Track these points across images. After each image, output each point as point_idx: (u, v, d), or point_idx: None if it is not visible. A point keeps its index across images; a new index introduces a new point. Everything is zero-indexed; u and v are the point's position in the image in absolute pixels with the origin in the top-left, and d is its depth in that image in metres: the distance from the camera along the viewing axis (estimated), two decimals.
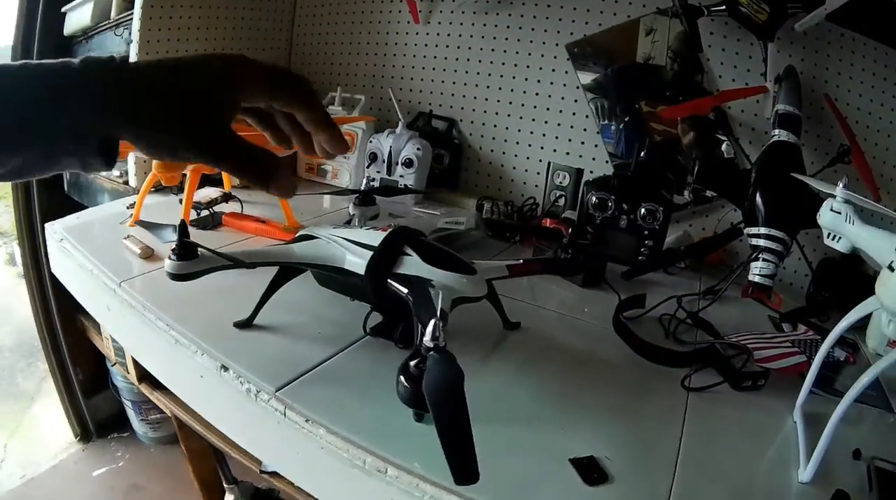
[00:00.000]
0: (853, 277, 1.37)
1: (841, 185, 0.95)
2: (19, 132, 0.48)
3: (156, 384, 1.81)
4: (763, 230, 1.24)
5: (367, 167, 1.79)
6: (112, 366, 2.18)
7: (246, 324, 1.03)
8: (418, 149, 1.73)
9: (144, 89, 0.52)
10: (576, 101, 1.74)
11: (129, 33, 1.65)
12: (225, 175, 1.62)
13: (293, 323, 1.05)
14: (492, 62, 1.84)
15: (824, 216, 0.95)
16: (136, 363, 1.82)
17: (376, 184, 1.77)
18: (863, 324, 1.23)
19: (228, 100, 0.57)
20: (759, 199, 1.27)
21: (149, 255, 1.25)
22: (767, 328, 1.28)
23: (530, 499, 0.73)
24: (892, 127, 1.46)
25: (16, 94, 0.48)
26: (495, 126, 1.87)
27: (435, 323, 0.68)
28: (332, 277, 1.00)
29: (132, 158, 1.69)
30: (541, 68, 1.77)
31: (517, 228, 1.59)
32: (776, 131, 1.34)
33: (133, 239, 1.30)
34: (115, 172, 1.78)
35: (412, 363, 0.70)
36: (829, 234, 0.96)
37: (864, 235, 0.88)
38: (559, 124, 1.77)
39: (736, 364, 1.03)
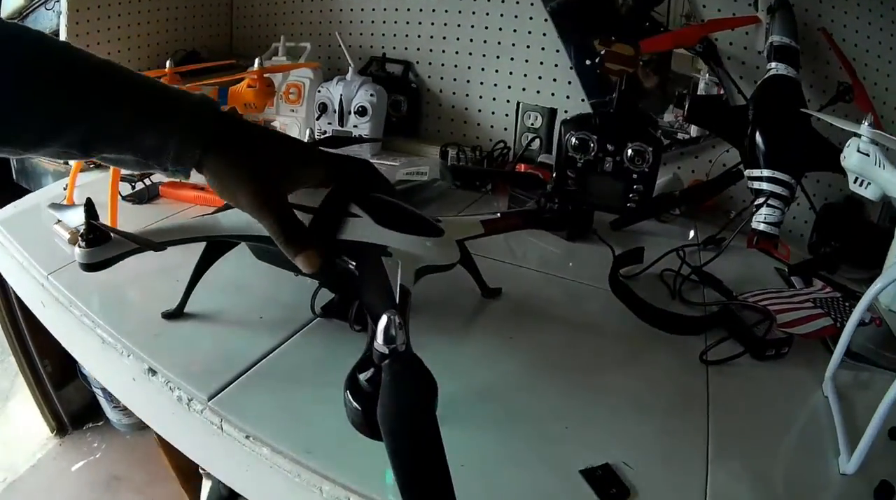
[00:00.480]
0: (856, 223, 1.32)
1: (866, 123, 0.89)
2: (132, 150, 0.63)
3: None
4: (766, 173, 1.17)
5: (317, 119, 1.62)
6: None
7: (175, 314, 0.87)
8: (372, 95, 1.56)
9: (244, 151, 0.65)
10: (544, 34, 1.59)
11: (59, 5, 1.56)
12: None
13: (230, 307, 0.90)
14: None
15: (850, 159, 0.91)
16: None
17: (327, 137, 1.59)
18: (875, 275, 1.07)
19: (297, 181, 0.69)
20: (759, 138, 1.19)
21: (76, 241, 1.08)
22: (775, 281, 1.17)
23: None
24: (892, 66, 1.39)
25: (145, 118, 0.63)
26: (456, 66, 1.72)
27: (389, 319, 0.48)
28: (270, 249, 0.82)
29: None
30: (503, 1, 1.62)
31: (488, 175, 1.44)
32: (773, 64, 1.25)
33: (62, 225, 1.17)
34: None
35: (362, 376, 0.51)
36: (855, 179, 0.92)
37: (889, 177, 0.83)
38: (527, 61, 1.63)
39: (757, 331, 0.89)
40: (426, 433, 0.44)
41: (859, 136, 0.89)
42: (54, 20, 1.63)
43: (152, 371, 0.78)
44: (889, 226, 1.10)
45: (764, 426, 0.76)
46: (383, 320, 0.47)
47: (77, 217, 0.81)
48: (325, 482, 0.62)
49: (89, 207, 0.72)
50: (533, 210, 0.95)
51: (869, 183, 0.90)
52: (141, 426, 2.50)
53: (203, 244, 0.85)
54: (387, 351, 0.47)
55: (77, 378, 2.46)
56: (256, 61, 1.28)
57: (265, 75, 1.27)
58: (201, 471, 1.83)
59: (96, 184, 1.34)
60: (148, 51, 1.72)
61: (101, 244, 0.72)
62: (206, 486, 1.82)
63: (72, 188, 1.27)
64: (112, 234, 0.72)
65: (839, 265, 1.22)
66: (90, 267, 0.72)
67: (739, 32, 1.44)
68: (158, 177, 1.34)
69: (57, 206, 1.15)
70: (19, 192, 1.77)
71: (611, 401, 0.76)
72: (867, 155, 0.88)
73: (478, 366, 0.80)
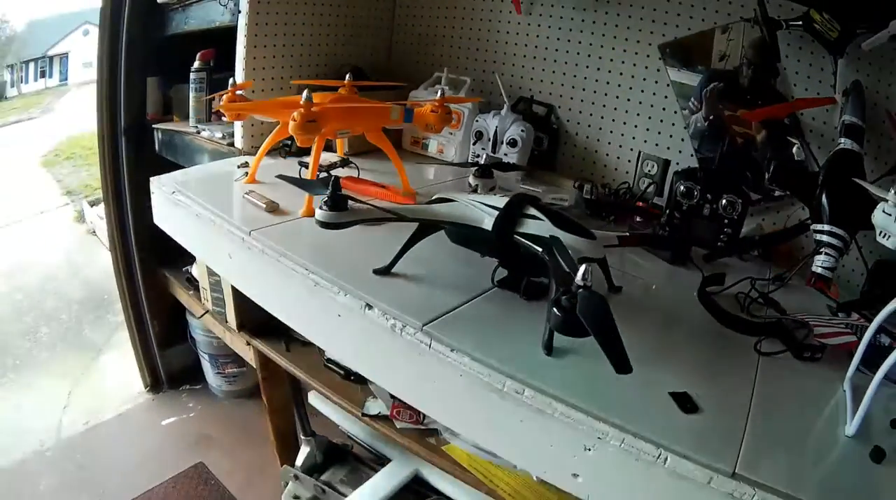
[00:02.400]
0: None
1: (893, 191, 1.07)
2: None
3: (255, 333, 1.86)
4: (826, 227, 1.34)
5: (473, 145, 1.95)
6: (199, 317, 2.21)
7: (385, 271, 1.15)
8: (522, 131, 1.87)
9: None
10: (665, 97, 1.87)
11: (236, 5, 1.74)
12: (339, 141, 1.76)
13: (428, 273, 1.18)
14: (589, 55, 1.97)
15: (877, 216, 1.08)
16: (237, 312, 1.86)
17: (482, 160, 1.88)
18: None
19: None
20: (824, 199, 1.36)
21: (274, 209, 1.34)
22: (822, 312, 1.39)
23: (643, 419, 0.88)
24: None
25: None
26: (591, 115, 2.01)
27: (587, 267, 0.85)
28: (467, 234, 1.15)
29: (239, 123, 1.78)
30: (634, 64, 1.90)
31: (614, 207, 1.74)
32: (842, 140, 1.45)
33: (255, 194, 1.37)
34: (218, 134, 1.86)
35: (564, 298, 0.87)
36: (880, 232, 1.09)
37: None
38: (650, 117, 1.91)
39: (798, 337, 1.17)
40: (611, 319, 0.83)
41: (887, 200, 1.08)
42: (226, 16, 1.81)
43: (369, 306, 1.05)
44: None
45: (793, 399, 1.04)
46: (584, 266, 0.85)
47: (318, 188, 1.06)
48: (508, 379, 0.94)
49: (336, 182, 0.97)
50: (651, 233, 1.25)
51: (890, 236, 1.08)
52: (240, 394, 2.61)
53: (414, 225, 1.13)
54: (583, 284, 0.84)
55: (185, 342, 2.53)
56: (440, 91, 1.54)
57: (445, 104, 1.53)
58: (301, 437, 1.98)
59: (269, 167, 1.55)
60: (317, 59, 1.93)
61: (343, 210, 0.97)
62: (303, 452, 1.97)
63: (256, 167, 1.48)
64: (350, 202, 0.99)
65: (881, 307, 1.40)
66: (330, 225, 0.96)
67: (820, 109, 1.66)
68: (340, 172, 1.61)
69: (290, 178, 1.22)
70: (161, 162, 2.01)
71: (690, 363, 1.09)
72: (890, 215, 1.07)
73: None
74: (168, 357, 2.63)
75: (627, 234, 1.23)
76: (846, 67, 1.58)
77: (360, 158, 1.79)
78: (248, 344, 1.90)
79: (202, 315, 2.16)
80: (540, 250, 1.04)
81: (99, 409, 2.49)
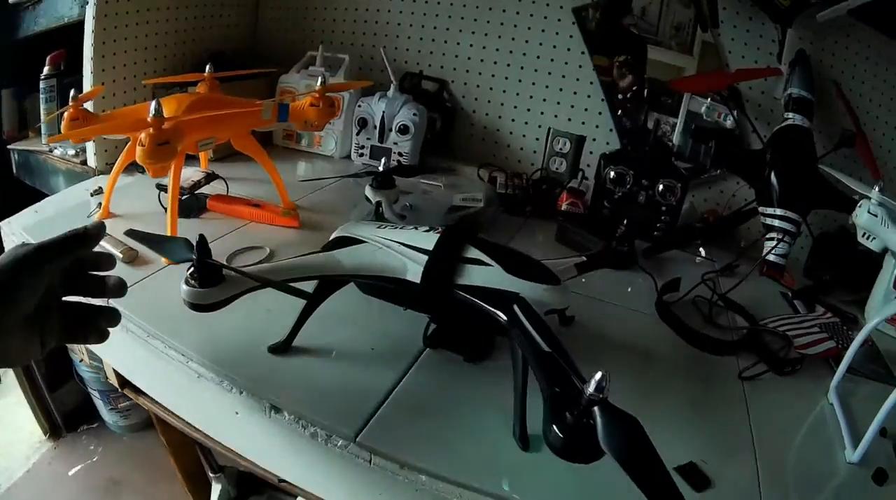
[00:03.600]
0: (846, 251, 1.41)
1: (877, 189, 1.00)
2: None
3: (140, 390, 1.62)
4: (779, 212, 1.27)
5: (357, 135, 1.67)
6: (80, 361, 2.04)
7: (283, 348, 0.88)
8: (415, 114, 1.61)
9: None
10: (580, 66, 1.67)
11: None
12: (202, 153, 1.45)
13: (339, 340, 0.92)
14: (488, 21, 1.73)
15: (861, 217, 1.02)
16: (116, 374, 1.60)
17: (366, 152, 1.66)
18: (862, 298, 1.32)
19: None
20: (774, 180, 1.29)
21: (133, 258, 1.07)
22: (780, 304, 1.33)
23: None
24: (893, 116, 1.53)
25: None
26: (491, 89, 1.78)
27: (603, 375, 0.59)
28: (386, 289, 0.88)
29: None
30: (543, 30, 1.68)
31: (536, 205, 1.53)
32: (790, 115, 1.37)
33: (111, 239, 1.09)
34: (71, 151, 1.59)
35: (568, 413, 0.61)
36: (864, 233, 1.03)
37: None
38: (561, 89, 1.70)
39: (778, 352, 1.08)
40: (659, 462, 0.57)
41: (870, 199, 1.01)
42: (74, 10, 1.57)
43: (275, 409, 0.80)
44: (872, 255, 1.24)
45: (789, 428, 0.94)
46: (598, 375, 0.58)
47: (178, 251, 0.75)
48: (487, 499, 0.71)
49: (202, 245, 0.70)
50: (607, 252, 1.03)
51: (874, 238, 1.01)
52: (138, 427, 2.44)
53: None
54: (598, 398, 0.58)
55: (72, 379, 2.34)
56: (319, 79, 1.26)
57: (327, 94, 1.26)
58: (210, 475, 1.80)
59: (128, 190, 1.31)
60: (176, 48, 1.67)
61: (218, 284, 0.71)
62: (215, 490, 1.80)
63: (108, 198, 1.22)
64: (224, 271, 0.72)
65: (833, 290, 1.38)
66: (202, 308, 0.71)
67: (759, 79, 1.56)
68: (205, 190, 1.34)
69: (141, 236, 0.85)
70: (20, 187, 1.74)
71: (677, 411, 0.92)
72: (875, 215, 0.99)
73: None
74: (60, 398, 2.40)
75: (583, 258, 0.99)
76: (799, 38, 1.49)
77: (227, 165, 1.51)
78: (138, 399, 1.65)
79: (81, 360, 2.01)
80: (502, 317, 0.77)
81: (8, 468, 2.29)
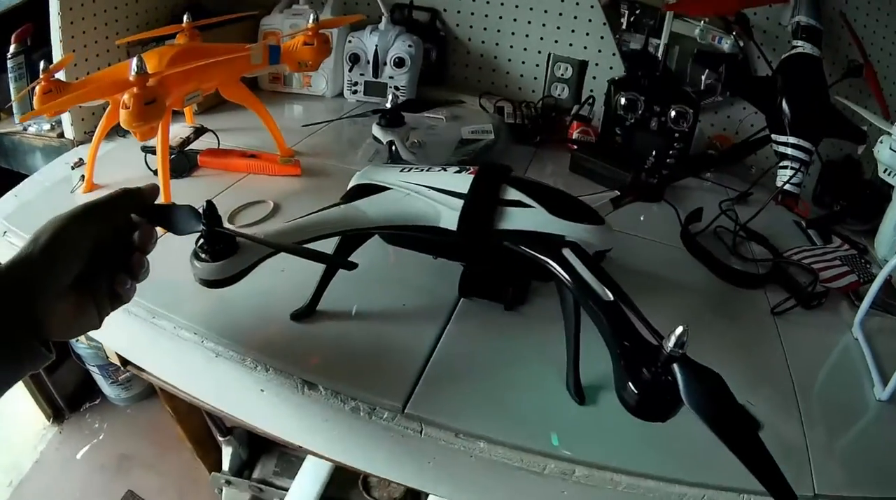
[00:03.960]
0: (854, 179, 1.46)
1: None
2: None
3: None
4: (792, 139, 1.26)
5: (349, 71, 1.58)
6: (76, 341, 1.99)
7: (306, 313, 0.81)
8: (410, 46, 1.53)
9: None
10: None
11: None
12: (187, 108, 1.35)
13: (367, 300, 0.86)
14: None
15: (883, 153, 1.05)
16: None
17: (360, 88, 1.58)
18: (872, 228, 1.32)
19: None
20: (786, 107, 1.27)
21: None
22: (794, 232, 1.33)
23: (713, 463, 0.68)
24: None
25: None
26: (486, 15, 1.68)
27: (683, 329, 0.55)
28: (418, 239, 0.82)
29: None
30: None
31: (544, 130, 1.49)
32: (799, 42, 1.33)
33: None
34: (46, 126, 1.49)
35: (645, 370, 0.57)
36: (885, 169, 1.06)
37: None
38: (560, 14, 1.61)
39: (805, 285, 1.07)
40: (749, 421, 0.54)
41: (892, 135, 1.02)
42: None
43: (310, 385, 0.73)
44: (879, 182, 1.24)
45: (821, 364, 0.94)
46: (678, 329, 0.54)
47: (186, 221, 0.63)
48: (550, 460, 0.68)
49: (210, 212, 0.60)
50: (640, 185, 0.98)
51: (895, 173, 1.03)
52: (140, 397, 2.42)
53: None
54: (679, 354, 0.55)
55: (69, 358, 2.28)
56: (311, 17, 1.18)
57: (321, 31, 1.18)
58: (219, 439, 1.80)
59: (110, 157, 1.21)
60: (146, 3, 1.54)
61: (231, 256, 0.63)
62: (226, 453, 1.81)
63: (91, 169, 1.13)
64: (238, 239, 0.64)
65: (843, 219, 1.37)
66: (219, 283, 0.63)
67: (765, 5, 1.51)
68: (197, 145, 1.26)
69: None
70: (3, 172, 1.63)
71: (717, 351, 0.83)
72: None
73: None
74: (59, 380, 2.35)
75: (617, 192, 0.93)
76: None
77: (213, 116, 1.44)
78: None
79: (78, 339, 1.93)
80: (556, 267, 0.71)
81: (17, 463, 2.25)
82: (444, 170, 0.82)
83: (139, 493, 2.10)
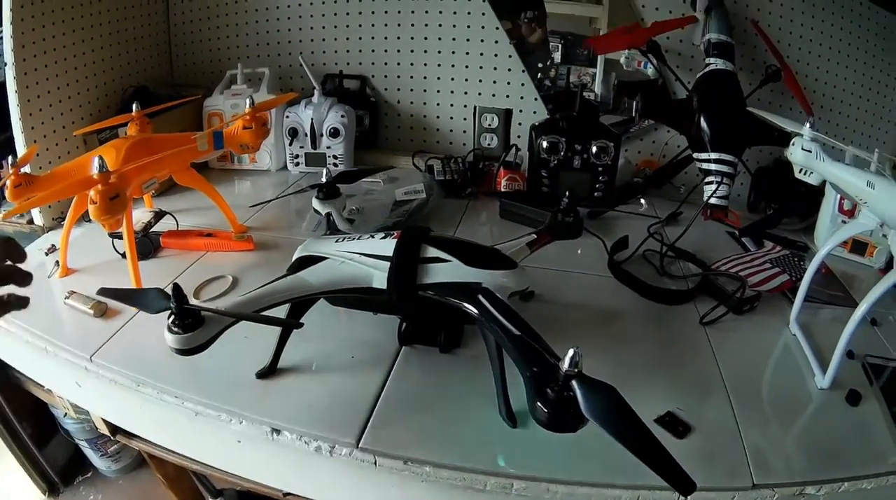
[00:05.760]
0: (786, 182, 1.45)
1: (808, 125, 1.04)
2: None
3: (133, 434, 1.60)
4: (713, 155, 1.34)
5: (290, 145, 1.71)
6: (65, 416, 2.03)
7: (270, 372, 0.94)
8: (343, 116, 1.66)
9: None
10: (496, 41, 1.73)
11: (2, 56, 1.48)
12: (146, 194, 1.46)
13: (319, 355, 0.99)
14: (399, 11, 1.78)
15: (796, 154, 1.05)
16: (105, 421, 1.55)
17: (301, 160, 1.71)
18: (810, 225, 1.43)
19: None
20: (704, 125, 1.36)
21: (103, 312, 1.11)
22: (728, 243, 1.42)
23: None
24: (815, 46, 1.61)
25: None
26: (412, 77, 1.83)
27: (575, 351, 0.67)
28: (346, 298, 0.95)
29: None
30: (455, 12, 1.74)
31: (473, 183, 1.62)
32: (711, 60, 1.43)
33: (76, 296, 1.14)
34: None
35: (549, 389, 0.68)
36: (801, 169, 1.07)
37: (836, 171, 1.00)
38: (481, 67, 1.76)
39: (734, 293, 1.16)
40: (638, 421, 0.65)
41: (802, 136, 1.05)
42: None
43: (276, 431, 0.86)
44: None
45: (756, 363, 1.04)
46: (570, 351, 0.66)
47: (154, 301, 0.78)
48: (489, 477, 0.79)
49: (177, 291, 0.73)
50: (556, 224, 1.10)
51: (811, 172, 1.06)
52: (130, 468, 2.48)
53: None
54: (574, 372, 0.66)
55: (58, 433, 2.33)
56: (247, 101, 1.31)
57: (257, 114, 1.31)
58: None
59: (81, 242, 1.32)
60: (98, 91, 1.68)
61: (199, 328, 0.74)
62: None
63: (64, 254, 1.25)
64: (203, 313, 0.75)
65: (780, 221, 1.47)
66: (189, 352, 0.75)
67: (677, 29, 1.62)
68: (158, 227, 1.37)
69: (113, 292, 0.86)
70: None
71: (647, 365, 1.01)
72: (809, 151, 1.03)
73: None
74: (50, 454, 2.39)
75: (534, 236, 1.06)
76: None
77: (169, 198, 1.57)
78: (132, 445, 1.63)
79: (66, 414, 1.99)
80: (472, 310, 0.84)
81: None
82: (373, 236, 0.94)
83: None
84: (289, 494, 1.24)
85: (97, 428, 1.83)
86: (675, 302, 1.17)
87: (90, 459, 2.43)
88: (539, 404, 0.68)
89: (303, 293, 0.89)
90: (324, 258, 0.93)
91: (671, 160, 1.58)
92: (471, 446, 0.82)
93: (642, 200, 1.55)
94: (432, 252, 0.90)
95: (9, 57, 1.44)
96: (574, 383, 0.66)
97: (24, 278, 0.73)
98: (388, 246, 0.91)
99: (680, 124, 1.45)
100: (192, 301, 0.77)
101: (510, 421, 0.84)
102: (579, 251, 1.34)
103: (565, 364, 0.66)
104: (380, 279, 0.89)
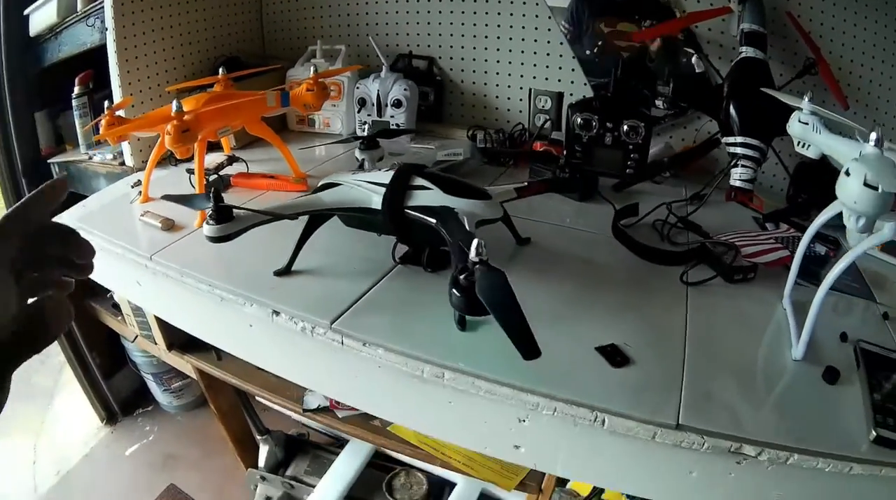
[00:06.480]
0: (828, 178, 1.47)
1: (806, 99, 1.08)
2: None
3: (185, 349, 1.90)
4: (739, 139, 1.39)
5: (358, 112, 1.91)
6: (132, 341, 2.20)
7: (285, 271, 1.14)
8: (405, 89, 1.84)
9: None
10: (549, 30, 1.88)
11: (102, 22, 1.71)
12: (224, 139, 1.72)
13: (328, 264, 1.17)
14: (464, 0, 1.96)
15: (794, 127, 1.08)
16: (163, 332, 1.89)
17: (368, 126, 1.90)
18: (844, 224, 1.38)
19: None
20: (733, 111, 1.41)
21: (170, 226, 1.33)
22: (752, 228, 1.44)
23: (572, 383, 0.89)
24: (852, 39, 1.63)
25: None
26: (474, 60, 2.00)
27: (478, 242, 0.83)
28: (359, 217, 1.13)
29: (124, 142, 1.74)
30: (512, 1, 1.90)
31: (511, 154, 1.75)
32: (743, 48, 1.48)
33: (150, 214, 1.36)
34: (109, 155, 1.84)
35: (461, 277, 0.84)
36: (798, 142, 1.10)
37: (831, 143, 1.02)
38: (535, 52, 1.91)
39: (726, 260, 1.19)
40: (512, 298, 0.80)
41: (801, 109, 1.09)
42: (95, 36, 1.79)
43: (276, 312, 1.04)
44: None
45: (732, 326, 1.06)
46: (475, 242, 0.82)
47: (201, 202, 1.05)
48: (426, 365, 0.93)
49: (216, 192, 0.95)
50: (551, 178, 1.24)
51: (809, 145, 1.08)
52: (191, 406, 2.69)
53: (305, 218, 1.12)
54: (478, 260, 0.82)
55: (126, 366, 2.57)
56: (312, 68, 1.52)
57: (320, 80, 1.52)
58: (257, 437, 2.06)
59: (162, 180, 1.55)
60: (192, 58, 1.91)
61: (228, 221, 0.96)
62: (263, 451, 2.05)
63: (147, 185, 1.47)
64: (234, 211, 0.97)
65: (811, 213, 1.40)
66: (219, 239, 0.96)
67: (715, 21, 1.69)
68: (229, 170, 1.61)
69: (174, 197, 1.13)
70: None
71: (614, 308, 1.09)
72: (807, 124, 1.07)
73: (518, 289, 1.03)
74: (115, 385, 2.64)
75: (525, 184, 1.22)
76: None
77: (249, 150, 1.81)
78: (184, 360, 1.92)
79: (134, 339, 2.16)
80: (434, 222, 1.01)
81: (66, 456, 2.50)
82: (381, 170, 1.15)
83: (181, 488, 2.33)
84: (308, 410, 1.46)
85: (163, 361, 2.11)
86: (666, 262, 1.23)
87: (153, 393, 2.66)
88: (454, 290, 0.84)
89: (317, 208, 1.09)
90: (340, 184, 1.13)
91: (700, 142, 1.66)
92: (422, 339, 0.96)
93: (667, 173, 1.65)
94: (419, 182, 1.07)
95: (109, 23, 1.64)
96: (477, 269, 0.81)
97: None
98: (387, 176, 1.09)
99: (710, 110, 1.51)
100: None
101: (459, 325, 0.98)
102: (588, 214, 1.45)
103: (472, 254, 0.82)
104: (377, 201, 1.07)
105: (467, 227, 0.97)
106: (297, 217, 1.07)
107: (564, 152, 1.61)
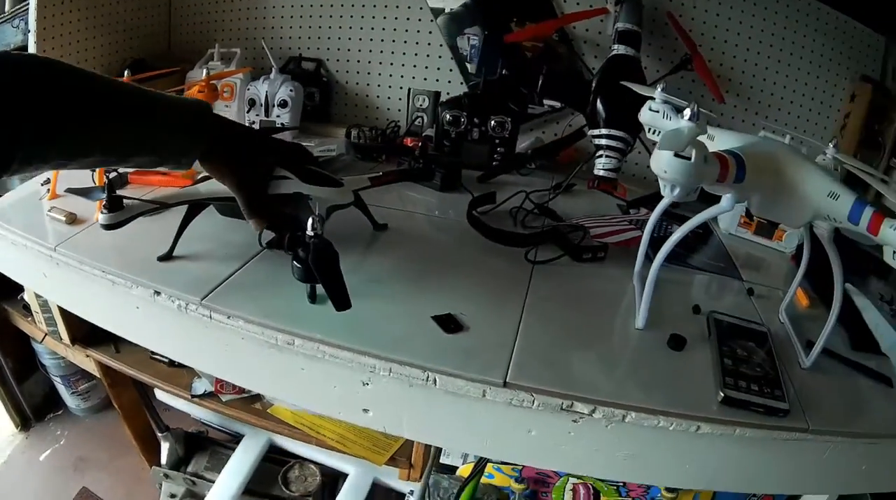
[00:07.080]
0: None
1: (659, 89, 1.15)
2: (157, 154, 0.95)
3: (86, 342, 1.97)
4: (604, 131, 1.48)
5: (248, 112, 2.02)
6: (41, 341, 2.25)
7: (167, 257, 1.22)
8: (291, 90, 1.96)
9: (231, 149, 1.03)
10: (430, 32, 2.03)
11: (26, 24, 1.79)
12: None
13: (205, 249, 1.26)
14: (353, 5, 2.10)
15: (644, 114, 1.14)
16: (67, 326, 1.96)
17: (256, 125, 2.00)
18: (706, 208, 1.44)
19: (263, 165, 1.09)
20: (599, 104, 1.50)
21: (73, 220, 1.39)
22: (614, 213, 1.56)
23: (406, 347, 0.99)
24: (734, 35, 1.79)
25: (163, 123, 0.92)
26: (359, 62, 2.14)
27: (313, 219, 0.96)
28: (231, 206, 1.20)
29: None
30: (398, 6, 2.05)
31: (382, 149, 1.87)
32: (616, 46, 1.59)
33: (56, 210, 1.42)
34: None
35: (299, 250, 0.98)
36: (649, 128, 1.16)
37: (671, 126, 1.05)
38: (416, 54, 2.06)
39: (573, 239, 1.27)
40: (332, 259, 0.95)
41: (654, 99, 1.14)
42: (18, 37, 1.86)
43: (157, 292, 1.12)
44: None
45: (578, 302, 1.14)
46: (311, 219, 0.95)
47: (98, 194, 1.15)
48: (278, 333, 1.02)
49: (109, 185, 1.06)
50: (404, 169, 1.37)
51: (658, 131, 1.12)
52: (98, 408, 2.78)
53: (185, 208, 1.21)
54: (313, 234, 0.95)
55: (37, 370, 2.63)
56: (203, 71, 1.61)
57: (211, 82, 1.61)
58: (158, 434, 2.14)
59: (70, 177, 1.51)
60: (102, 59, 2.01)
61: (119, 210, 1.07)
62: (164, 448, 2.12)
63: (54, 183, 1.52)
64: (125, 201, 1.10)
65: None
66: (111, 226, 1.06)
67: (595, 20, 1.83)
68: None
69: (76, 190, 1.32)
70: None
71: (459, 287, 1.17)
72: (657, 111, 1.11)
73: (371, 271, 1.16)
74: (28, 390, 2.69)
75: (380, 173, 1.34)
76: None
77: None
78: (87, 356, 1.99)
79: (43, 339, 2.20)
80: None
81: None
82: None
83: (93, 490, 2.43)
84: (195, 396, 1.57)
85: (69, 362, 2.20)
86: (514, 244, 1.29)
87: (62, 396, 2.72)
88: (294, 262, 0.98)
89: (193, 197, 1.20)
90: None
91: (565, 135, 1.80)
92: (277, 312, 1.05)
93: (532, 165, 1.77)
94: (280, 173, 1.18)
95: (32, 25, 1.72)
96: (311, 242, 0.95)
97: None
98: None
99: (578, 104, 1.62)
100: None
101: (310, 299, 1.09)
102: (447, 203, 1.54)
103: (308, 228, 0.96)
104: None
105: (317, 211, 1.09)
106: (178, 205, 1.18)
107: (432, 146, 1.74)
